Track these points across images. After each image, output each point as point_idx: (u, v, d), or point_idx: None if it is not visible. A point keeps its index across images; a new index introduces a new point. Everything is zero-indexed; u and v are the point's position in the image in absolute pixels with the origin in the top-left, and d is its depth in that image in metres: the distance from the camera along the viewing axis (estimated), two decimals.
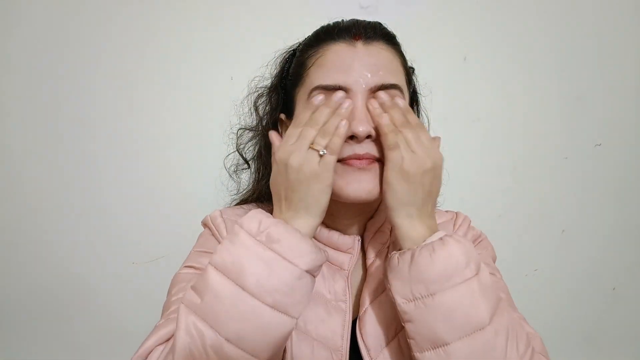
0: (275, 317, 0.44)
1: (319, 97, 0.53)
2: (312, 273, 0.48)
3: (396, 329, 0.56)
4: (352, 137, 0.52)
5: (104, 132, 1.07)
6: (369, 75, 0.53)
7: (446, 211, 0.70)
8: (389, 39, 0.58)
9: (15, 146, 1.08)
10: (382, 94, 0.53)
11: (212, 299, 0.44)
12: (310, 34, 0.61)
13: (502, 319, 0.47)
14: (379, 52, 0.55)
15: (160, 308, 0.57)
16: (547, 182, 1.13)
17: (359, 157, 0.52)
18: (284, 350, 0.54)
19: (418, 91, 0.68)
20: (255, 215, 0.48)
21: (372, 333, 0.55)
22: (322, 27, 0.60)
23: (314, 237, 0.59)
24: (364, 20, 0.58)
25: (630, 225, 1.16)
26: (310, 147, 0.49)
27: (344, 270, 0.59)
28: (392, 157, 0.50)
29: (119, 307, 1.12)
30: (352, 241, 0.59)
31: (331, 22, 0.60)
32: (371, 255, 0.60)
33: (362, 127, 0.51)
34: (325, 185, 0.49)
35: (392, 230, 0.53)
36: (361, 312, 0.56)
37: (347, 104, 0.51)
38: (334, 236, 0.59)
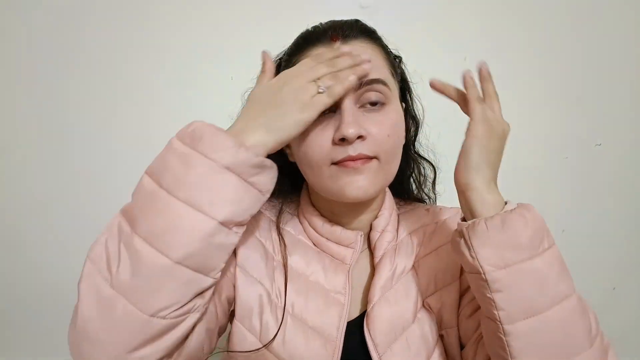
0: (188, 214, 0.42)
1: (344, 48, 0.54)
2: (239, 174, 0.44)
3: (403, 326, 0.56)
4: (342, 140, 0.51)
5: (103, 132, 1.07)
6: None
7: (451, 207, 0.69)
8: (368, 34, 0.58)
9: (17, 148, 1.08)
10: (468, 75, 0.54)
11: (136, 199, 0.45)
12: (291, 43, 0.61)
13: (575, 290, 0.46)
14: (358, 51, 0.55)
15: None
16: (547, 182, 1.13)
17: (352, 159, 0.52)
18: (276, 335, 0.54)
19: (409, 79, 0.67)
20: (192, 122, 0.47)
21: (380, 329, 0.55)
22: (301, 34, 0.60)
23: (317, 231, 0.61)
24: (341, 20, 0.58)
25: (630, 225, 1.16)
26: (314, 81, 0.49)
27: (346, 264, 0.59)
28: (478, 109, 0.51)
29: None
30: (354, 236, 0.59)
31: (310, 27, 0.60)
32: (379, 253, 0.61)
33: (352, 130, 0.50)
34: (301, 119, 0.48)
35: (461, 195, 0.51)
36: (369, 309, 0.56)
37: (367, 65, 0.51)
38: (337, 230, 0.60)
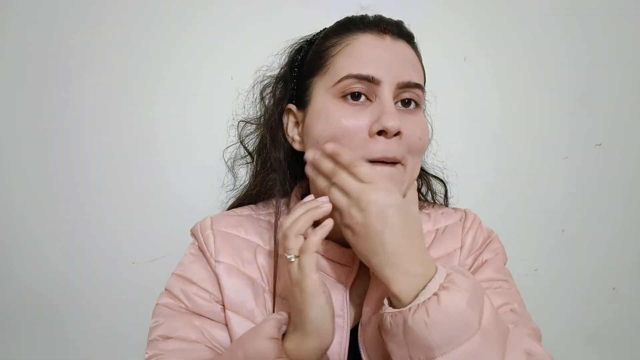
0: None
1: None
2: None
3: None
4: (380, 133, 0.48)
5: (103, 132, 1.07)
6: (400, 71, 0.51)
7: (454, 209, 0.67)
8: (410, 40, 0.57)
9: (13, 148, 1.08)
10: None
11: None
12: (331, 25, 0.59)
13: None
14: (405, 50, 0.54)
15: None
16: (547, 182, 1.13)
17: (387, 161, 0.49)
18: None
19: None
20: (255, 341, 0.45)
21: (374, 343, 0.52)
22: (347, 18, 0.58)
23: None
24: (389, 17, 0.57)
25: (631, 225, 1.16)
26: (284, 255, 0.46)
27: (342, 284, 0.56)
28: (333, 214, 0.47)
29: (119, 307, 1.12)
30: (352, 254, 0.55)
31: (357, 14, 0.58)
32: None
33: (392, 122, 0.47)
34: (306, 297, 0.44)
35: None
36: (364, 321, 0.54)
37: (326, 206, 0.47)
38: (334, 248, 0.56)
